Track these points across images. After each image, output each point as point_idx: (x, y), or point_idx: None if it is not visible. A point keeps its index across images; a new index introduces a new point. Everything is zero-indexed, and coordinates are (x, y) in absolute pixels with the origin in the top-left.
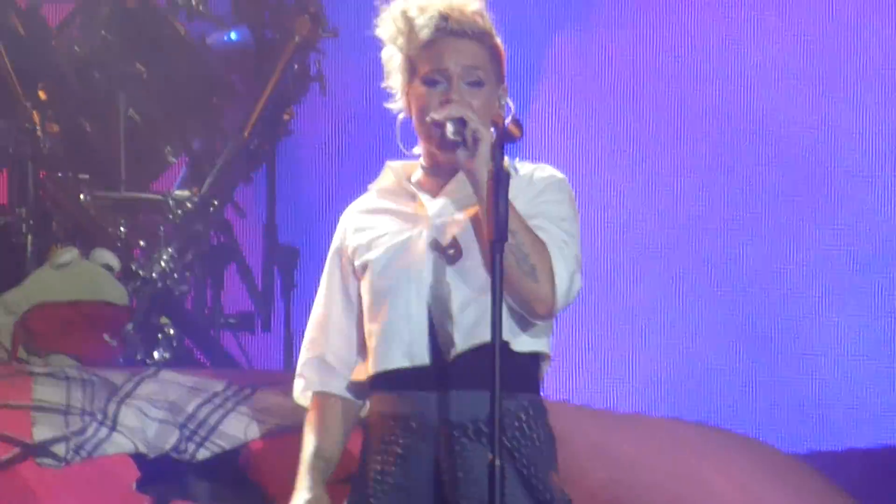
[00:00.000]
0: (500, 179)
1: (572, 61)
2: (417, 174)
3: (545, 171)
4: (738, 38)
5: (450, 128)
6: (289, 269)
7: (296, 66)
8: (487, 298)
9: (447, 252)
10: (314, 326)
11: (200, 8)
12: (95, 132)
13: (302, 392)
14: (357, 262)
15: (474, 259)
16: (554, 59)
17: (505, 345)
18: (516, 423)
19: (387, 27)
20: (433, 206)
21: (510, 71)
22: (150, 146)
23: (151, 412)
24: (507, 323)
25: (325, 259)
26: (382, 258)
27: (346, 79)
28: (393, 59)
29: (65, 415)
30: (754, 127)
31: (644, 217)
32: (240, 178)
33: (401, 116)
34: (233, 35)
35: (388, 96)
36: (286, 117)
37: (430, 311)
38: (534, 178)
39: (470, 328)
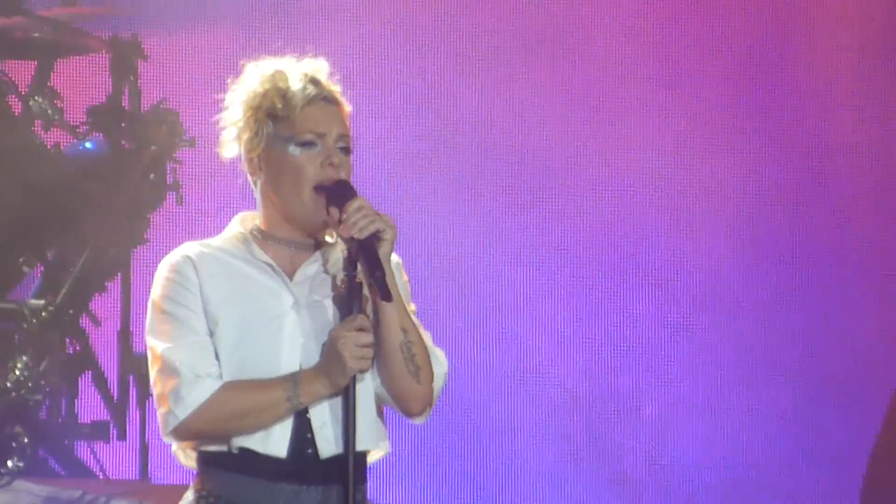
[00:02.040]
0: (353, 290)
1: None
2: (259, 241)
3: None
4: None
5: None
6: (144, 378)
7: (152, 176)
8: (366, 399)
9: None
10: (187, 350)
11: (56, 117)
12: None
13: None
14: (221, 329)
15: None
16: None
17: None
18: None
19: (251, 88)
20: (300, 290)
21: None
22: (4, 255)
23: None
24: (377, 424)
25: None
26: (254, 339)
27: (203, 187)
28: (248, 122)
29: None
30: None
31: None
32: (95, 287)
33: (258, 182)
34: (88, 144)
35: (248, 199)
36: (142, 226)
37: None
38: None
39: (353, 429)
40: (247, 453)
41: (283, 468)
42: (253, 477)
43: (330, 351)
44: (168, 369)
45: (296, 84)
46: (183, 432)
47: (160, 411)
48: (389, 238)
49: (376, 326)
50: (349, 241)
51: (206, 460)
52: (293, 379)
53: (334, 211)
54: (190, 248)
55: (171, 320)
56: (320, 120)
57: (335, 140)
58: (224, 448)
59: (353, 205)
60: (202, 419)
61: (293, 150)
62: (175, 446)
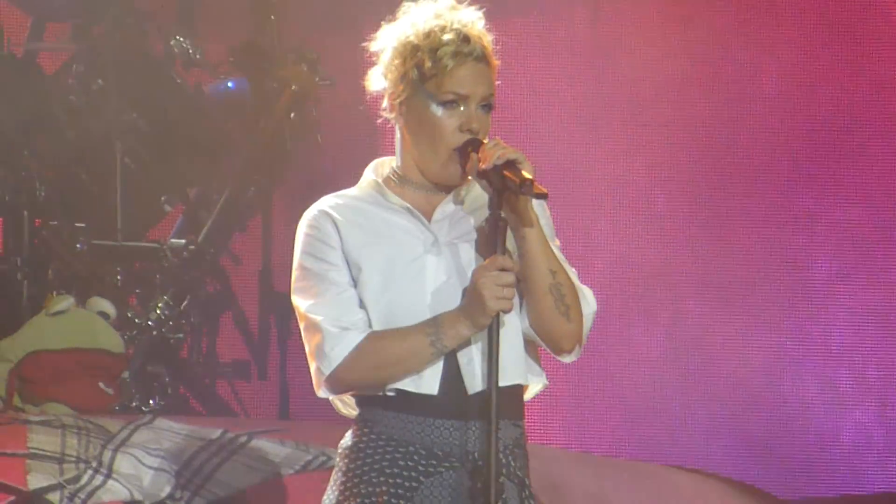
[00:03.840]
0: (499, 228)
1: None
2: (395, 186)
3: None
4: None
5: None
6: (284, 317)
7: (292, 115)
8: (511, 335)
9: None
10: (329, 305)
11: (197, 57)
12: (91, 181)
13: (347, 349)
14: (365, 275)
15: None
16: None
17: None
18: (519, 451)
19: (405, 34)
20: (439, 229)
21: None
22: (146, 195)
23: (147, 460)
24: (527, 361)
25: None
26: (399, 281)
27: (343, 127)
28: (396, 66)
29: (60, 463)
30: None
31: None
32: (235, 226)
33: (398, 126)
34: (229, 84)
35: (385, 139)
36: (282, 166)
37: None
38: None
39: (496, 366)
40: (401, 393)
41: (436, 405)
42: (409, 414)
43: (471, 291)
44: (312, 326)
45: (447, 44)
46: (332, 386)
47: (311, 369)
48: (528, 169)
49: (524, 270)
50: (491, 172)
51: (363, 402)
52: (435, 323)
53: (473, 156)
54: (326, 201)
55: (312, 276)
56: (466, 81)
57: (479, 101)
58: (379, 392)
59: (490, 142)
60: (349, 372)
61: (435, 108)
62: (332, 397)
